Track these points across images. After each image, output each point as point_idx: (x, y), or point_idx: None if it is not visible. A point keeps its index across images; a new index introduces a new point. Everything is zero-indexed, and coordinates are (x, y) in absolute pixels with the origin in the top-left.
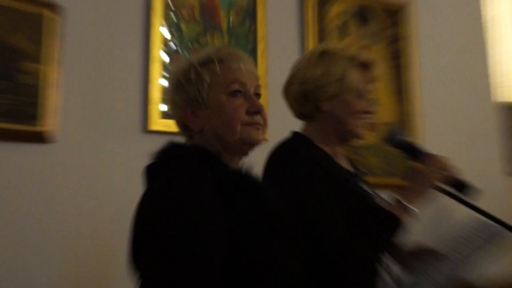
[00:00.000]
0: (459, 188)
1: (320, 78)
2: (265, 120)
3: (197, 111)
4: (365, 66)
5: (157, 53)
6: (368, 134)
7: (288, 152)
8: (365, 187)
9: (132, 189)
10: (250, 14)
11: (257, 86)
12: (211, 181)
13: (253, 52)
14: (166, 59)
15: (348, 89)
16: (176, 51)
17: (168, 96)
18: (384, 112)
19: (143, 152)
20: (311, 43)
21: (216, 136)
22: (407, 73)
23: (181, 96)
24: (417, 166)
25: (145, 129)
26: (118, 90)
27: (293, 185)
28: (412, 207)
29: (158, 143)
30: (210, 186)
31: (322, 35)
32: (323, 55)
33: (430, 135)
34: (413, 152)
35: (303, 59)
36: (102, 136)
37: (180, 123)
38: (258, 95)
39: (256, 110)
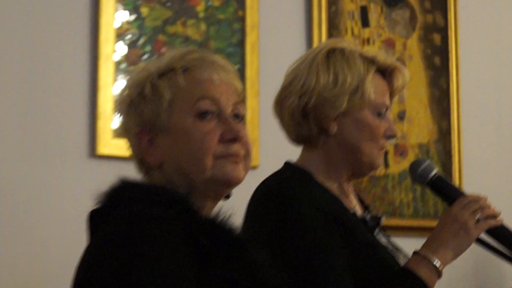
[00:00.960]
0: (503, 240)
1: (328, 88)
2: (247, 150)
3: (155, 138)
4: (386, 72)
5: (109, 48)
6: (393, 160)
7: (278, 192)
8: (382, 238)
9: (74, 235)
10: None
11: (237, 104)
12: (178, 234)
13: (240, 47)
14: (120, 55)
15: (365, 104)
16: (135, 45)
17: (118, 119)
18: (414, 129)
19: (90, 184)
20: (320, 35)
21: (180, 172)
22: (443, 77)
23: (134, 119)
24: (450, 209)
25: (93, 153)
26: (55, 100)
27: (283, 240)
28: (440, 264)
29: (109, 173)
30: (177, 241)
31: (333, 24)
32: (332, 56)
33: (471, 160)
34: (443, 191)
35: (303, 61)
36: (34, 162)
37: (135, 156)
38: (238, 116)
39: (233, 137)
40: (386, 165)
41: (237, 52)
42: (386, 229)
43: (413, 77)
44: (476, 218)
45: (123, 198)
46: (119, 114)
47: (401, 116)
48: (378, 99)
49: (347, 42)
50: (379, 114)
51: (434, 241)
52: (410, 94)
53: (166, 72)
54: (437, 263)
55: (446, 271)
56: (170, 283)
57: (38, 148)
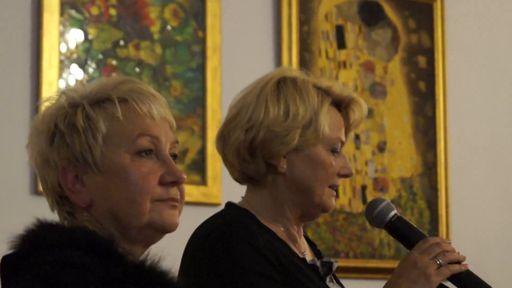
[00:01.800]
0: (464, 287)
1: (278, 121)
2: (182, 195)
3: (83, 175)
4: (342, 105)
5: (53, 75)
6: (372, 195)
7: (215, 236)
8: (333, 286)
9: None
10: (196, 14)
11: (174, 144)
12: (99, 283)
13: (200, 72)
14: (66, 82)
15: (318, 139)
16: (82, 70)
17: (34, 149)
18: (396, 162)
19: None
20: (290, 57)
21: (112, 215)
22: (429, 104)
23: (60, 152)
24: (409, 254)
25: (35, 190)
26: None
27: (219, 287)
28: None
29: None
30: None
31: (305, 45)
32: (283, 86)
33: (459, 196)
34: (403, 234)
35: (251, 91)
36: None
37: (54, 193)
38: (175, 156)
39: (174, 180)
40: (365, 201)
41: (197, 78)
42: (366, 271)
43: (395, 104)
44: (437, 264)
45: (40, 242)
46: (35, 146)
47: (381, 148)
48: (333, 134)
49: (300, 71)
50: (334, 151)
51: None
52: (392, 123)
53: (100, 101)
54: None
55: None
56: None
57: None
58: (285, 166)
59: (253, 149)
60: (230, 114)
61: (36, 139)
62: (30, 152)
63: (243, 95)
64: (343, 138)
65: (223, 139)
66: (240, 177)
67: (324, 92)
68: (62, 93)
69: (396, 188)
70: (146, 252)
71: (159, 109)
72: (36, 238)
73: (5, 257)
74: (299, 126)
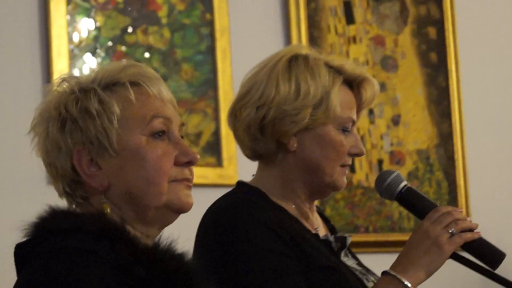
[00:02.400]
0: (482, 255)
1: (288, 100)
2: (193, 176)
3: (99, 159)
4: (354, 83)
5: (62, 64)
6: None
7: (228, 215)
8: (349, 261)
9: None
10: None
11: (182, 126)
12: (110, 268)
13: (210, 54)
14: (80, 71)
15: (329, 119)
16: (91, 58)
17: (40, 136)
18: (411, 135)
19: None
20: (299, 35)
21: (130, 196)
22: (441, 75)
23: (73, 137)
24: (420, 224)
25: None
26: (8, 123)
27: (233, 267)
28: (411, 285)
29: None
30: (109, 278)
31: (314, 22)
32: (294, 65)
33: (477, 165)
34: (414, 204)
35: (262, 68)
36: None
37: (65, 179)
38: (182, 138)
39: (189, 160)
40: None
41: (207, 60)
42: (386, 245)
43: (407, 76)
44: (449, 233)
45: (51, 229)
46: (41, 133)
47: (395, 121)
48: (343, 114)
49: (311, 48)
50: (344, 130)
51: (404, 260)
52: (405, 96)
53: (111, 85)
54: (407, 283)
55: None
56: None
57: None
58: (295, 145)
59: (263, 127)
60: (242, 91)
61: (42, 125)
62: (34, 139)
63: (254, 72)
64: (354, 117)
65: (234, 116)
66: (251, 154)
67: (336, 71)
68: (63, 80)
69: (413, 161)
70: (158, 236)
71: (167, 92)
72: (47, 225)
73: (18, 245)
74: (310, 105)
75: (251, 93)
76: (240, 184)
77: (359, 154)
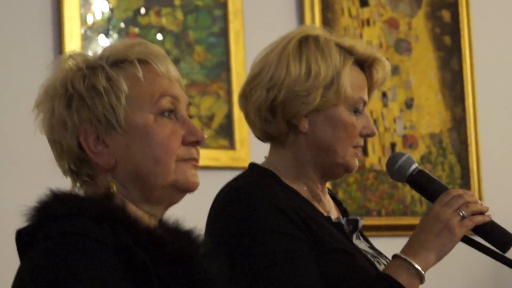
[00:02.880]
0: (493, 238)
1: (299, 81)
2: (199, 155)
3: (106, 137)
4: (365, 64)
5: (75, 45)
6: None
7: (239, 198)
8: (361, 244)
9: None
10: None
11: (189, 105)
12: (112, 252)
13: (223, 36)
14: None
15: (340, 99)
16: (104, 40)
17: (46, 114)
18: (424, 118)
19: None
20: (312, 17)
21: (136, 175)
22: (455, 59)
23: (80, 114)
24: (431, 207)
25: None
26: (17, 105)
27: (243, 247)
28: (422, 268)
29: None
30: (111, 261)
31: (327, 5)
32: (305, 45)
33: (490, 149)
34: (425, 187)
35: (273, 49)
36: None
37: (71, 156)
38: (190, 117)
39: (197, 140)
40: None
41: (219, 43)
42: (398, 229)
43: (421, 59)
44: (460, 216)
45: (53, 214)
46: (47, 110)
47: (408, 104)
48: (355, 94)
49: (322, 29)
50: (356, 111)
51: (415, 243)
52: (418, 79)
53: (119, 62)
54: (418, 266)
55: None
56: None
57: (8, 160)
58: (306, 126)
59: (274, 109)
60: (252, 72)
61: (48, 102)
62: (38, 115)
63: (265, 54)
64: (366, 98)
65: (245, 97)
66: (262, 136)
67: (347, 52)
68: (70, 56)
69: (426, 144)
70: (164, 217)
71: (175, 71)
72: (47, 210)
73: (19, 231)
74: (321, 86)
75: (261, 74)
76: (252, 166)
77: (370, 135)
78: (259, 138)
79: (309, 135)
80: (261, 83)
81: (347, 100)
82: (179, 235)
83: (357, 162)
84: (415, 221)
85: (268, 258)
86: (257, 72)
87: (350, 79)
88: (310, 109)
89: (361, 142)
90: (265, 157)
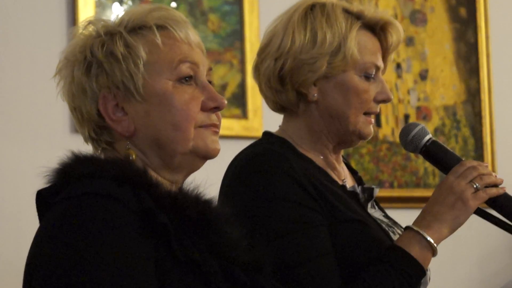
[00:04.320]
0: (507, 211)
1: (305, 49)
2: (220, 121)
3: (125, 104)
4: (376, 28)
5: (89, 12)
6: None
7: (253, 165)
8: (376, 212)
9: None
10: None
11: (210, 70)
12: (133, 214)
13: (237, 5)
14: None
15: (349, 65)
16: (119, 4)
17: (66, 80)
18: (439, 90)
19: None
20: None
21: (156, 142)
22: (471, 30)
23: (98, 81)
24: (445, 179)
25: (75, 128)
26: (33, 72)
27: (257, 214)
28: (433, 241)
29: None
30: (132, 224)
31: None
32: (310, 14)
33: (504, 122)
34: (439, 158)
35: (281, 19)
36: (11, 139)
37: (91, 123)
38: (211, 83)
39: (216, 106)
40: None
41: (234, 11)
42: (410, 200)
43: (436, 31)
44: (474, 188)
45: (75, 175)
46: (67, 76)
47: (423, 76)
48: (365, 59)
49: None
50: (368, 76)
51: (428, 215)
52: (433, 51)
53: (137, 29)
54: (431, 239)
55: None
56: (121, 275)
57: (18, 125)
58: (315, 94)
59: (282, 78)
60: (262, 43)
61: (68, 69)
62: (59, 82)
63: (275, 24)
64: (378, 63)
65: (257, 69)
66: (274, 106)
67: (355, 17)
68: (89, 22)
69: (440, 116)
70: (182, 182)
71: (195, 36)
72: (69, 171)
73: (39, 192)
74: (327, 52)
75: (270, 45)
76: (267, 134)
77: (386, 101)
78: (272, 109)
79: (320, 103)
80: (270, 53)
81: (356, 65)
82: (199, 202)
83: (371, 128)
84: (428, 193)
85: (282, 227)
86: (267, 42)
87: (357, 43)
88: (318, 76)
89: (376, 108)
90: (279, 126)
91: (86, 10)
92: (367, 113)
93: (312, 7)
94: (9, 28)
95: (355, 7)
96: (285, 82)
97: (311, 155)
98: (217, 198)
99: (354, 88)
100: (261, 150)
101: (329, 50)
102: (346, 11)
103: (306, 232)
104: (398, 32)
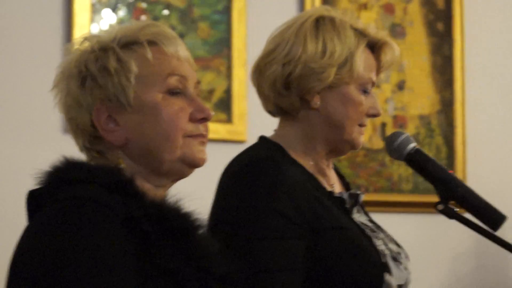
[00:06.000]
0: (480, 215)
1: (315, 58)
2: (207, 132)
3: (118, 116)
4: (375, 47)
5: (84, 18)
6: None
7: (247, 171)
8: (361, 217)
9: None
10: None
11: (198, 83)
12: (118, 220)
13: (226, 14)
14: (98, 25)
15: (352, 79)
16: (112, 14)
17: (62, 92)
18: (415, 100)
19: None
20: (312, 0)
21: (147, 151)
22: (447, 44)
23: (93, 93)
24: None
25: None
26: (28, 74)
27: (237, 224)
28: None
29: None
30: (117, 229)
31: None
32: (321, 25)
33: (476, 133)
34: (422, 166)
35: (290, 26)
36: (4, 139)
37: (85, 133)
38: (198, 96)
39: (204, 117)
40: (384, 138)
41: (223, 20)
42: (385, 205)
43: (414, 44)
44: None
45: (64, 179)
46: (63, 89)
47: (400, 86)
48: (365, 75)
49: (336, 10)
50: (365, 91)
51: None
52: (411, 63)
53: (129, 44)
54: None
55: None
56: (103, 276)
57: (11, 125)
58: (318, 102)
59: (288, 84)
60: (268, 48)
61: (64, 82)
62: (57, 95)
63: (281, 31)
64: (374, 79)
65: (258, 71)
66: (274, 109)
67: (361, 34)
68: (84, 39)
69: (415, 125)
70: (167, 192)
71: (184, 51)
72: (60, 174)
73: (31, 192)
74: (335, 64)
75: (277, 50)
76: (262, 139)
77: (376, 115)
78: (270, 112)
79: (321, 111)
80: (276, 58)
81: (358, 79)
82: (180, 213)
83: (362, 139)
84: (401, 198)
85: (257, 234)
86: (273, 48)
87: (363, 59)
88: (324, 85)
89: (366, 121)
90: (275, 130)
91: (82, 16)
92: (359, 125)
93: (321, 18)
94: (4, 30)
95: (359, 25)
96: (290, 87)
97: (302, 160)
98: (202, 209)
99: (354, 101)
100: (256, 156)
101: (337, 62)
102: (353, 28)
103: (276, 243)
104: (393, 53)
